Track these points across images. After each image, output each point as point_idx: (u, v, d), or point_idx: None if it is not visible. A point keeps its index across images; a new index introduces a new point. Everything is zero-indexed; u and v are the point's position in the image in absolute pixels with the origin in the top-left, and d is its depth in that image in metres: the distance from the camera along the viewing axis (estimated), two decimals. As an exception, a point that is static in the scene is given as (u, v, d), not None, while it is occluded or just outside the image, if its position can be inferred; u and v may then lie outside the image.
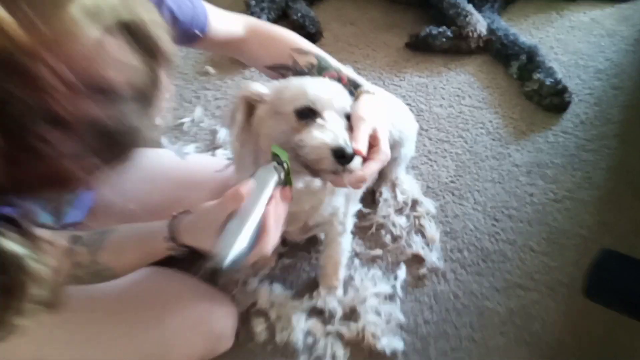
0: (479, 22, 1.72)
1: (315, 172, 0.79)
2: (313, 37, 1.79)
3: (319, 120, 0.81)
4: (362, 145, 0.79)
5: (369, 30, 1.87)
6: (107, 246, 0.85)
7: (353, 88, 0.93)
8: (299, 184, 0.90)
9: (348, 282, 1.23)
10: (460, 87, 1.65)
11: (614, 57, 1.68)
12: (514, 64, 1.64)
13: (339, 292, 1.21)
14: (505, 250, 1.28)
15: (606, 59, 1.68)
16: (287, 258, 1.28)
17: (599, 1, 1.87)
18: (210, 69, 1.76)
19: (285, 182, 0.77)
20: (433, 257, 1.25)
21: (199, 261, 1.26)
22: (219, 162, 1.30)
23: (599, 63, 1.67)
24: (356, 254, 1.27)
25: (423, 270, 1.24)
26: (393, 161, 1.30)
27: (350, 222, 1.17)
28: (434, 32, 1.73)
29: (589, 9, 1.84)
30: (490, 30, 1.72)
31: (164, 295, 1.01)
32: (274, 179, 0.74)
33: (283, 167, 0.76)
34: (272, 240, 0.73)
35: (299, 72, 0.99)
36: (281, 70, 1.01)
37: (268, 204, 0.72)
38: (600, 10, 1.84)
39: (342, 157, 0.76)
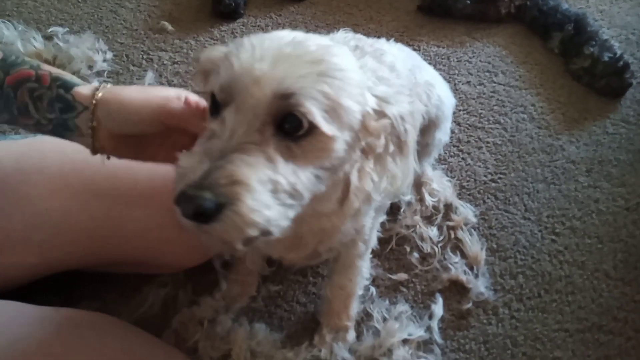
0: (510, -17, 1.38)
1: None
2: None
3: (211, 126, 0.47)
4: None
5: (371, -12, 1.50)
6: None
7: (64, 91, 0.58)
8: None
9: (364, 321, 0.86)
10: (491, 61, 1.30)
11: (670, 34, 1.38)
12: (556, 36, 1.31)
13: (351, 335, 0.83)
14: (574, 277, 0.93)
15: (661, 36, 1.38)
16: (274, 284, 0.90)
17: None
18: (168, 25, 1.35)
19: None
20: (480, 286, 0.90)
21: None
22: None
23: (654, 40, 1.37)
24: (372, 279, 0.90)
25: (467, 305, 0.88)
26: (422, 149, 0.93)
27: (374, 238, 0.80)
28: (456, -8, 1.38)
29: (631, -21, 1.54)
30: (524, -6, 1.38)
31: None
32: None
33: None
34: None
35: None
36: None
37: None
38: (645, -20, 1.54)
39: (196, 213, 0.42)
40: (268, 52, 0.46)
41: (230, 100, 0.46)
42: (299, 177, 0.46)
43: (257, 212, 0.43)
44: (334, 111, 0.47)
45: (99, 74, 1.23)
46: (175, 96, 0.58)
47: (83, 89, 0.58)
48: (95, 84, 0.60)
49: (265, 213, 0.44)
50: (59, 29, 1.30)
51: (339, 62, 0.48)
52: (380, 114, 0.52)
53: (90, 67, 1.23)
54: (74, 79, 0.60)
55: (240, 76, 0.45)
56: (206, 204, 0.41)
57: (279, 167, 0.45)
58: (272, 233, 0.46)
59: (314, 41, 0.49)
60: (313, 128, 0.46)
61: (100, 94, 0.57)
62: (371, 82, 0.54)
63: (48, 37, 1.29)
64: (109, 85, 0.59)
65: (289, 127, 0.45)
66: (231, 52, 0.48)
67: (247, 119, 0.45)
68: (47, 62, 1.24)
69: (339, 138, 0.48)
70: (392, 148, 0.53)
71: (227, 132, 0.44)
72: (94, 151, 0.60)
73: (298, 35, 0.50)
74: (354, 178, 0.56)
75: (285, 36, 0.49)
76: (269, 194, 0.44)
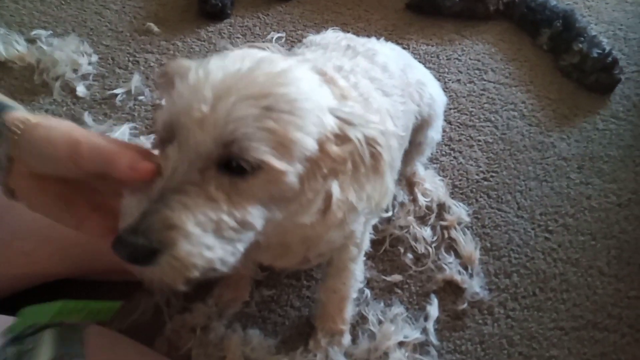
0: (498, -20, 1.38)
1: None
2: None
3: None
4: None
5: (359, -12, 1.49)
6: None
7: None
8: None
9: (359, 324, 0.85)
10: (480, 58, 1.30)
11: (657, 29, 1.39)
12: (545, 33, 1.31)
13: (346, 339, 0.82)
14: (568, 274, 0.93)
15: (649, 32, 1.39)
16: (267, 289, 0.88)
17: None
18: (154, 27, 1.33)
19: None
20: (474, 286, 0.89)
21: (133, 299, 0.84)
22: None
23: (641, 36, 1.38)
24: (367, 282, 0.89)
25: (462, 305, 0.88)
26: (415, 148, 0.93)
27: (367, 241, 0.79)
28: (444, -10, 1.37)
29: (617, -25, 1.55)
30: (512, -9, 1.38)
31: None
32: None
33: None
34: None
35: None
36: None
37: None
38: (630, -24, 1.55)
39: (131, 258, 0.42)
40: (210, 89, 0.43)
41: (173, 138, 0.44)
42: (247, 210, 0.45)
43: (196, 255, 0.42)
44: (282, 146, 0.44)
45: (84, 77, 1.20)
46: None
47: (19, 114, 0.48)
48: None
49: (206, 255, 0.43)
50: (43, 32, 1.28)
51: (288, 92, 0.45)
52: (342, 137, 0.49)
53: (75, 71, 1.21)
54: (6, 100, 0.52)
55: (180, 116, 0.43)
56: (139, 250, 0.41)
57: (221, 206, 0.43)
58: (217, 270, 0.45)
59: (265, 69, 0.46)
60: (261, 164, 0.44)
61: (32, 120, 0.47)
62: (335, 102, 0.50)
63: (31, 41, 1.26)
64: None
65: (235, 165, 0.43)
66: (175, 86, 0.45)
67: (189, 158, 0.43)
68: (30, 66, 1.22)
69: (290, 171, 0.45)
70: (363, 169, 0.50)
71: (168, 170, 0.43)
72: (5, 191, 0.50)
73: (249, 60, 0.46)
74: (335, 191, 0.54)
75: (234, 64, 0.45)
76: (210, 234, 0.43)
